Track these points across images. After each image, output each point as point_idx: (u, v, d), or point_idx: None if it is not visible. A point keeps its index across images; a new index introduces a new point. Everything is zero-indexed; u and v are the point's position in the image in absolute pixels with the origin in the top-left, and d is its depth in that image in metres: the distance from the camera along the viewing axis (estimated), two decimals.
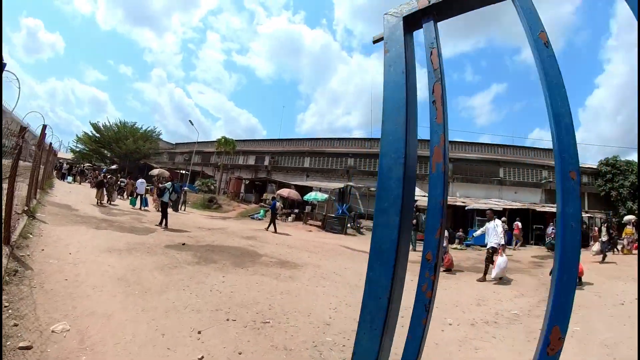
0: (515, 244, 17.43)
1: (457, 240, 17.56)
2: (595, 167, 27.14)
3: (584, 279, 8.03)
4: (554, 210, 21.53)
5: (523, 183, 26.54)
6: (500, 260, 7.74)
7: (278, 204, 16.63)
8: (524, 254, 14.89)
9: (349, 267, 8.72)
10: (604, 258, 11.58)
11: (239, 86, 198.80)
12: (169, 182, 13.32)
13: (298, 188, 25.25)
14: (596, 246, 12.06)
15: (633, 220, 15.84)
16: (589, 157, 30.75)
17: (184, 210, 20.11)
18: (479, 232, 9.24)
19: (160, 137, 47.30)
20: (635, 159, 25.79)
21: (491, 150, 29.53)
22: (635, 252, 14.51)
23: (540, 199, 25.85)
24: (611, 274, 9.83)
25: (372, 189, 25.08)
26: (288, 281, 6.62)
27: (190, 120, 33.77)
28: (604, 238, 11.98)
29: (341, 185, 24.72)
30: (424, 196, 22.20)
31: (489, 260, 8.03)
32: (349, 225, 19.47)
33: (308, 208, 23.36)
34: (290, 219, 22.03)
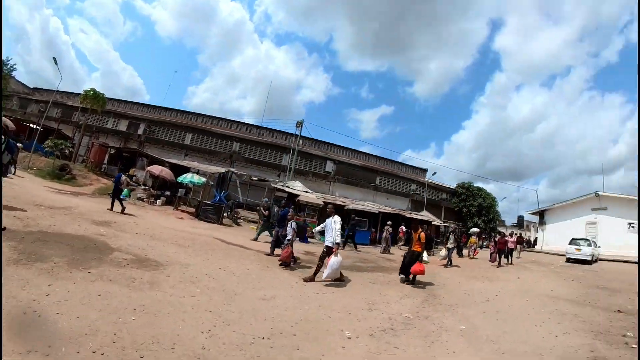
0: (399, 245, 20.45)
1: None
2: (453, 187, 35.85)
3: (445, 278, 9.00)
4: (419, 217, 24.68)
5: (394, 192, 30.46)
6: (332, 260, 7.19)
7: (123, 177, 13.58)
8: (400, 253, 16.08)
9: (224, 267, 7.40)
10: (449, 262, 13.24)
11: (132, 37, 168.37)
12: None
13: (173, 167, 21.86)
14: (443, 251, 13.77)
15: (477, 232, 19.46)
16: (447, 180, 40.15)
17: (14, 174, 14.48)
18: (318, 228, 8.94)
19: (13, 74, 35.26)
20: (483, 186, 35.85)
21: (371, 160, 33.46)
22: (477, 257, 17.49)
23: (407, 206, 29.89)
24: (468, 274, 11.25)
25: (254, 178, 23.91)
26: (146, 290, 4.91)
27: (54, 58, 24.88)
28: (451, 245, 13.78)
29: (222, 170, 22.60)
30: (306, 192, 22.45)
31: (321, 260, 7.44)
32: (225, 214, 17.88)
33: (181, 191, 20.41)
34: (159, 202, 18.83)
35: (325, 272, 7.21)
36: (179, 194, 19.77)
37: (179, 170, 21.54)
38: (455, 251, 17.14)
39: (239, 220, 19.55)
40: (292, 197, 21.57)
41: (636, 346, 5.35)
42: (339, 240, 7.51)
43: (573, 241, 20.13)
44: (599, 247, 20.90)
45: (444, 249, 14.35)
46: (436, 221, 27.81)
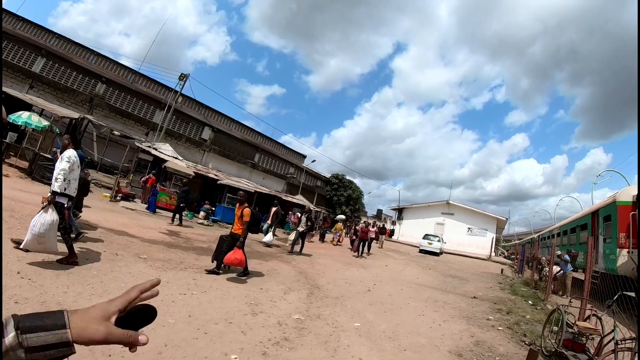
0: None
1: (202, 214, 15.89)
2: (328, 177, 37.88)
3: (323, 265, 8.44)
4: (294, 200, 24.50)
5: (272, 172, 29.56)
6: None
7: None
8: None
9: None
10: (293, 247, 11.57)
11: None
12: None
13: (10, 101, 15.09)
14: (292, 235, 12.15)
15: (343, 219, 20.28)
16: (322, 169, 41.98)
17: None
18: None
19: None
20: (352, 179, 37.24)
21: (253, 135, 31.66)
22: (341, 244, 18.04)
23: (283, 188, 29.35)
24: (344, 261, 11.17)
25: (117, 132, 19.11)
26: None
27: None
28: (302, 227, 12.48)
29: (76, 115, 17.18)
30: (176, 158, 19.50)
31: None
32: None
33: (12, 137, 14.50)
34: None
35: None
36: (7, 140, 13.86)
37: (17, 105, 15.00)
38: (317, 237, 17.65)
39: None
40: (159, 161, 18.26)
41: (502, 328, 5.90)
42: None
43: (426, 236, 24.09)
44: (445, 242, 25.35)
45: (293, 232, 13.27)
46: (310, 206, 28.49)
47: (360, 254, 13.93)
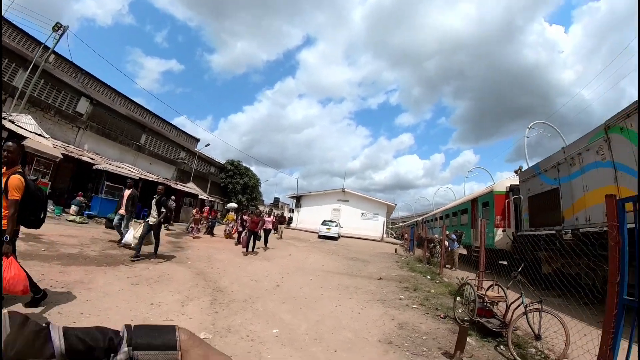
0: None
1: (74, 208, 12.89)
2: (223, 163, 35.30)
3: (222, 261, 7.50)
4: (186, 189, 22.31)
5: (161, 157, 26.05)
6: None
7: None
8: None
9: None
10: (156, 247, 9.26)
11: None
12: None
13: None
14: (136, 232, 10.81)
15: (234, 207, 18.78)
16: (216, 155, 38.88)
17: None
18: None
19: None
20: (248, 166, 35.27)
21: (140, 113, 27.09)
22: (235, 236, 16.26)
23: (173, 175, 26.37)
24: (245, 254, 10.11)
25: None
26: None
27: None
28: (153, 220, 11.08)
29: None
30: (40, 135, 15.10)
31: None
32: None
33: None
34: None
35: None
36: None
37: None
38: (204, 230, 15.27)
39: None
40: (15, 137, 13.88)
41: (416, 306, 6.04)
42: None
43: (324, 222, 24.80)
44: (342, 227, 26.34)
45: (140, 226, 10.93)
46: (202, 195, 26.07)
47: (251, 249, 10.84)
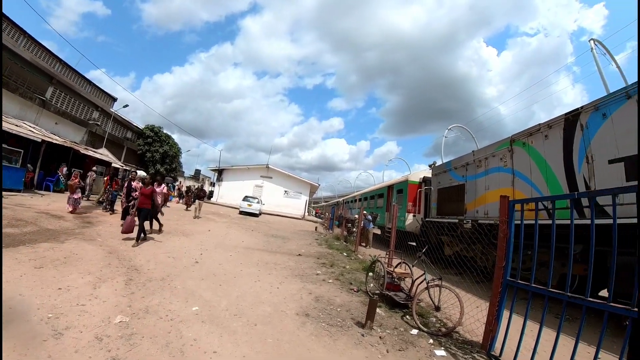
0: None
1: None
2: (142, 128, 31.71)
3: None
4: (97, 156, 19.98)
5: (70, 115, 21.66)
6: None
7: None
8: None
9: None
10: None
11: None
12: None
13: None
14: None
15: (144, 177, 17.27)
16: (135, 119, 34.65)
17: None
18: None
19: None
20: (170, 133, 32.20)
21: (49, 61, 22.41)
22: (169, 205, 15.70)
23: (83, 139, 22.70)
24: (163, 229, 9.56)
25: None
26: None
27: None
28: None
29: None
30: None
31: None
32: None
33: None
34: None
35: None
36: None
37: None
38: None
39: None
40: None
41: (332, 281, 6.42)
42: None
43: (246, 198, 24.51)
44: (264, 204, 26.30)
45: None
46: (116, 162, 23.28)
47: (137, 239, 7.31)
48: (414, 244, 6.19)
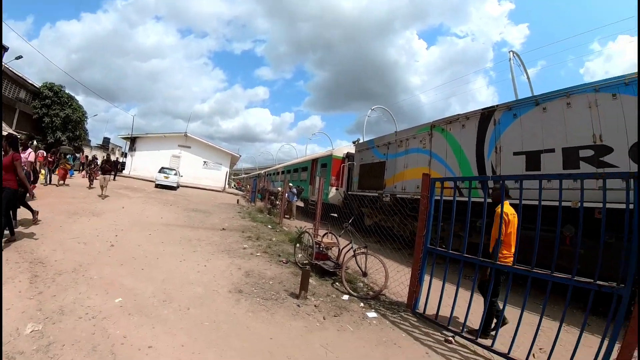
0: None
1: None
2: (37, 85, 25.96)
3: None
4: None
5: None
6: None
7: None
8: None
9: None
10: None
11: None
12: None
13: None
14: None
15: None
16: (32, 74, 28.33)
17: None
18: None
19: None
20: (74, 94, 27.44)
21: None
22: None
23: None
24: (67, 209, 8.50)
25: None
26: None
27: None
28: None
29: None
30: None
31: None
32: None
33: None
34: None
35: None
36: None
37: None
38: None
39: None
40: None
41: (260, 254, 6.41)
42: None
43: (162, 170, 22.73)
44: (182, 176, 24.84)
45: None
46: (6, 129, 19.31)
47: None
48: (336, 215, 6.56)
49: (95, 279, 4.08)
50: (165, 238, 7.06)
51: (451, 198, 3.94)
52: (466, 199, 3.79)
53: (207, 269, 5.13)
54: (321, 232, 6.93)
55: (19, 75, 24.19)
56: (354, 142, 14.40)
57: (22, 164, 5.58)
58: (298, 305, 3.96)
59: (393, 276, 4.81)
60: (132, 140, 30.71)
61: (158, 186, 21.37)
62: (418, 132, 9.10)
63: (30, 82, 25.67)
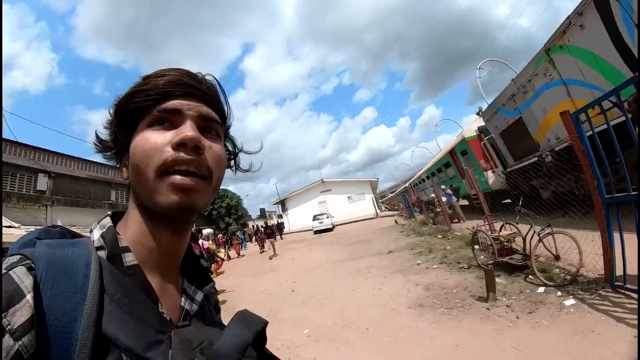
0: None
1: None
2: None
3: (233, 285, 7.18)
4: None
5: None
6: None
7: None
8: None
9: None
10: None
11: None
12: None
13: None
14: None
15: (208, 234, 17.84)
16: None
17: None
18: None
19: None
20: (225, 187, 33.67)
21: (102, 170, 25.68)
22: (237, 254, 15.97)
23: None
24: (249, 272, 9.79)
25: None
26: None
27: None
28: None
29: None
30: (11, 227, 13.77)
31: None
32: None
33: None
34: None
35: None
36: None
37: None
38: None
39: None
40: None
41: (437, 266, 5.98)
42: None
43: (315, 217, 24.56)
44: (334, 216, 26.32)
45: None
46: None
47: None
48: (509, 200, 5.57)
49: (285, 318, 4.67)
50: (335, 274, 7.38)
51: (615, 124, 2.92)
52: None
53: (381, 291, 5.04)
54: (497, 225, 6.07)
55: None
56: (477, 113, 12.39)
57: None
58: (487, 309, 3.47)
59: (588, 249, 3.74)
60: (282, 203, 35.18)
61: (317, 232, 23.07)
62: (535, 66, 7.21)
63: None
